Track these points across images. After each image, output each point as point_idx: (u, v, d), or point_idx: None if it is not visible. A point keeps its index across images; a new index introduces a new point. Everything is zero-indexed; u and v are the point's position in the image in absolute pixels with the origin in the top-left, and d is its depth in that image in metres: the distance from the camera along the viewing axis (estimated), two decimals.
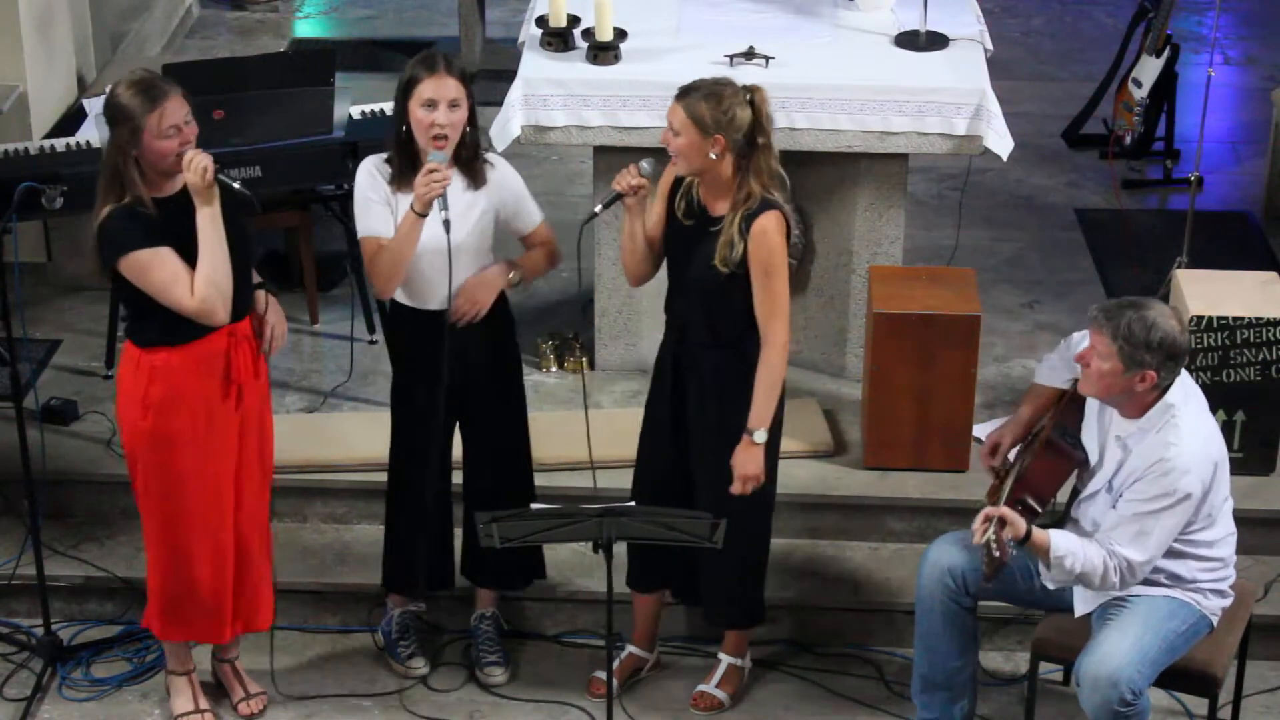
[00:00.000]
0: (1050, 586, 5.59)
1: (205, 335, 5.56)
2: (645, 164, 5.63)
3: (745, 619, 6.12)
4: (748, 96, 5.55)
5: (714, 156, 5.54)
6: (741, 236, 5.56)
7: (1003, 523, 5.24)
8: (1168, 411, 5.36)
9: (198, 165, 5.38)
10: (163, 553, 5.79)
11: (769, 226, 5.56)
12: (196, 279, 5.45)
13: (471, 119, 5.73)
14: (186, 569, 5.78)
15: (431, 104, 5.62)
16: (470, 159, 5.78)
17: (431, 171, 5.59)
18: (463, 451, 6.10)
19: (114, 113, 5.42)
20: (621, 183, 5.62)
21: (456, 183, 5.74)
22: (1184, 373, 5.42)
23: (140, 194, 5.43)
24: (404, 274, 5.74)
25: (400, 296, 5.87)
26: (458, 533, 6.28)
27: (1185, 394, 5.40)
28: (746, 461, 5.70)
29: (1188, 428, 5.34)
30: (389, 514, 6.16)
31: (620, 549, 5.44)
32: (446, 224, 5.62)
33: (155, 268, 5.45)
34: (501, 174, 5.87)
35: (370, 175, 5.78)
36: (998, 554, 5.21)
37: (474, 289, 5.81)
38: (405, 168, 5.73)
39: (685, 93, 5.55)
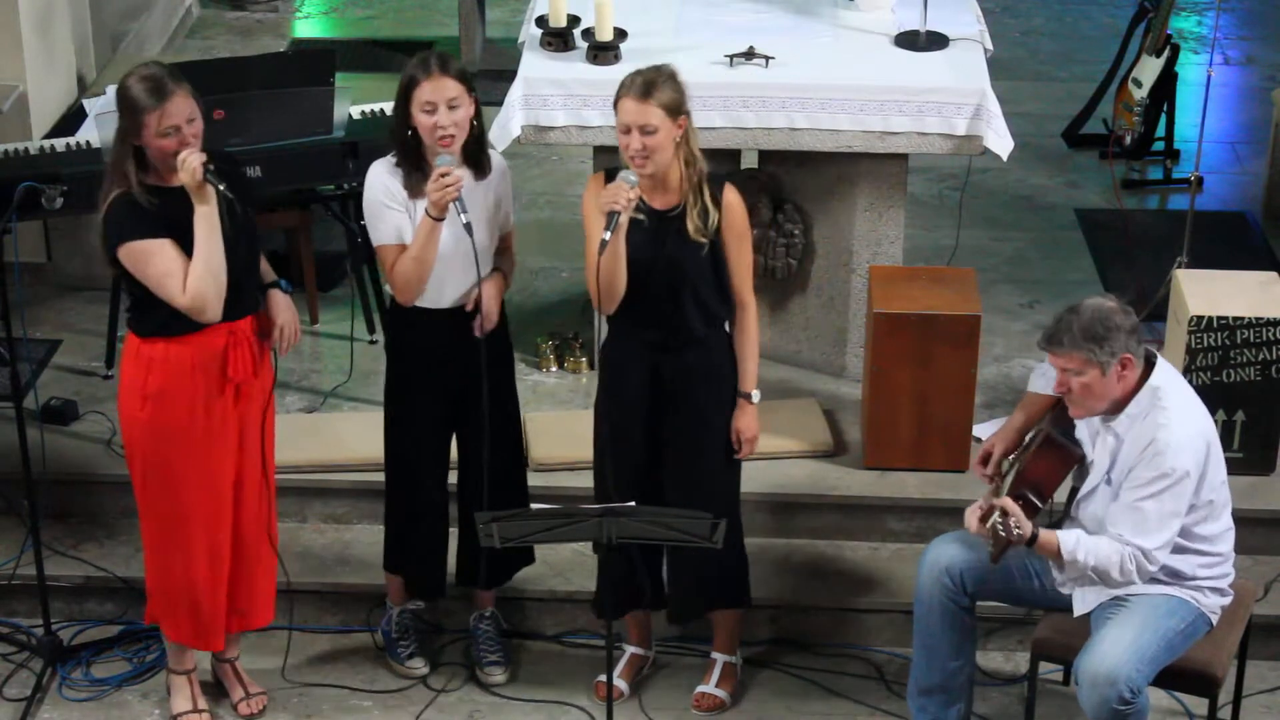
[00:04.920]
0: (1065, 590, 5.59)
1: (203, 330, 5.56)
2: (631, 175, 5.55)
3: (724, 599, 6.04)
4: (672, 73, 5.60)
5: (676, 141, 5.56)
6: (714, 206, 5.62)
7: (1005, 513, 5.26)
8: (1154, 394, 5.39)
9: (189, 166, 5.37)
10: (159, 551, 5.80)
11: (738, 195, 5.68)
12: (190, 276, 5.44)
13: (476, 112, 5.71)
14: (182, 568, 5.78)
15: (431, 107, 5.60)
16: (477, 152, 5.76)
17: (443, 175, 5.56)
18: (458, 455, 6.08)
19: (121, 102, 5.44)
20: (620, 200, 5.50)
21: (467, 179, 5.71)
22: (1160, 358, 5.44)
23: (134, 185, 5.43)
24: (426, 280, 5.70)
25: None
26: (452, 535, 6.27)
27: (1168, 376, 5.44)
28: (751, 424, 5.81)
29: (1175, 407, 5.37)
30: (389, 512, 6.15)
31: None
32: (468, 227, 5.58)
33: (153, 259, 5.45)
34: (499, 162, 5.88)
35: (384, 181, 5.72)
36: (1004, 534, 5.22)
37: (493, 299, 5.79)
38: (414, 173, 5.69)
39: (646, 91, 5.51)
